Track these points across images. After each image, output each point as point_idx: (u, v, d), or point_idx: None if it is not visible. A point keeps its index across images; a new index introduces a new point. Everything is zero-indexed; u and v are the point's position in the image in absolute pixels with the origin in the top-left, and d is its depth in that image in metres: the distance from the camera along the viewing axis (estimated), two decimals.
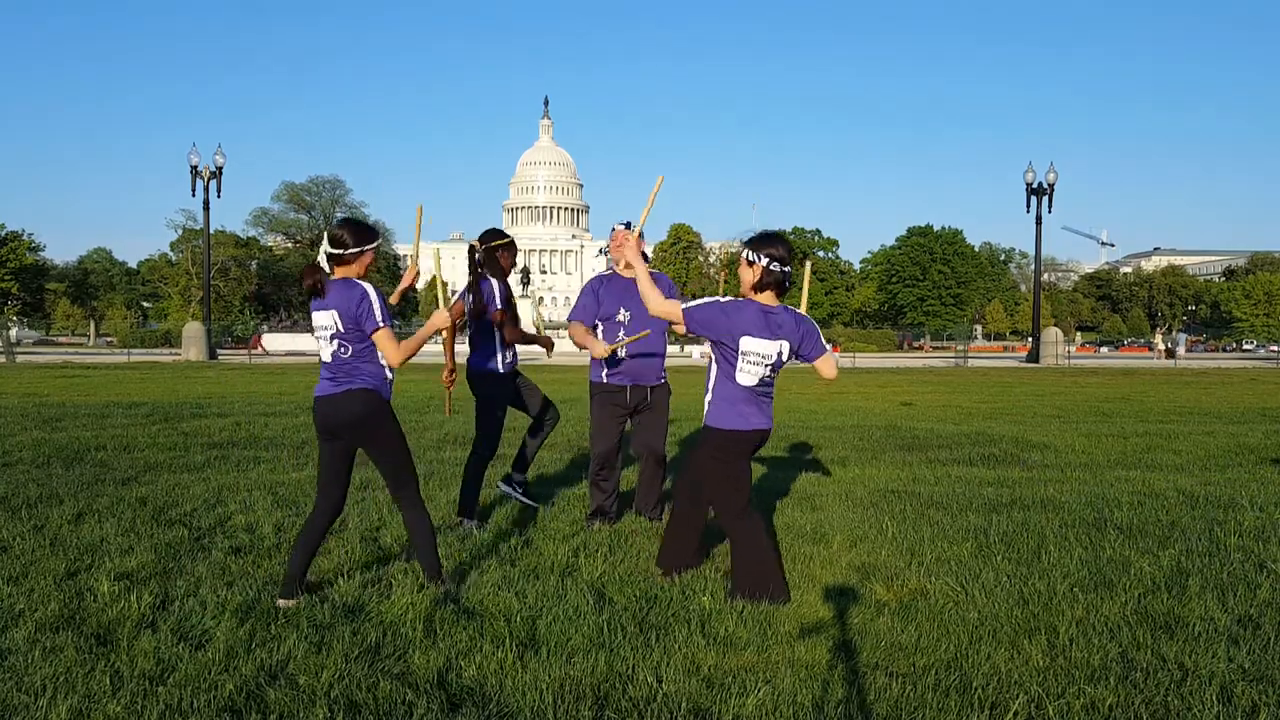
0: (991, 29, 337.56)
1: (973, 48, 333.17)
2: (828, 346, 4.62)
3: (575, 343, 5.70)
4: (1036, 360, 37.00)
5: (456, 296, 5.68)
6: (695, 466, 4.55)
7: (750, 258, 4.33)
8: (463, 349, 5.72)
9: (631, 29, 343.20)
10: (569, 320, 5.81)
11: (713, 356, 4.46)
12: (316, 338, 4.26)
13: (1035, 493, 7.08)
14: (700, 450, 4.50)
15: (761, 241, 4.35)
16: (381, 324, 4.13)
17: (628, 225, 5.78)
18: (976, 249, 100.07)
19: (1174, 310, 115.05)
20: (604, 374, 5.75)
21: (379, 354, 4.20)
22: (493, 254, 5.74)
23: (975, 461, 8.88)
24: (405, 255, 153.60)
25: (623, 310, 5.68)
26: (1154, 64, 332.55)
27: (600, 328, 5.77)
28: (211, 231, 40.11)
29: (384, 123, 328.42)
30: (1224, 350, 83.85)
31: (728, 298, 4.43)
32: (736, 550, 4.40)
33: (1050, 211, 38.06)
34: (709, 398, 4.42)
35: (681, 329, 4.49)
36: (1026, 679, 3.43)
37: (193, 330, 35.24)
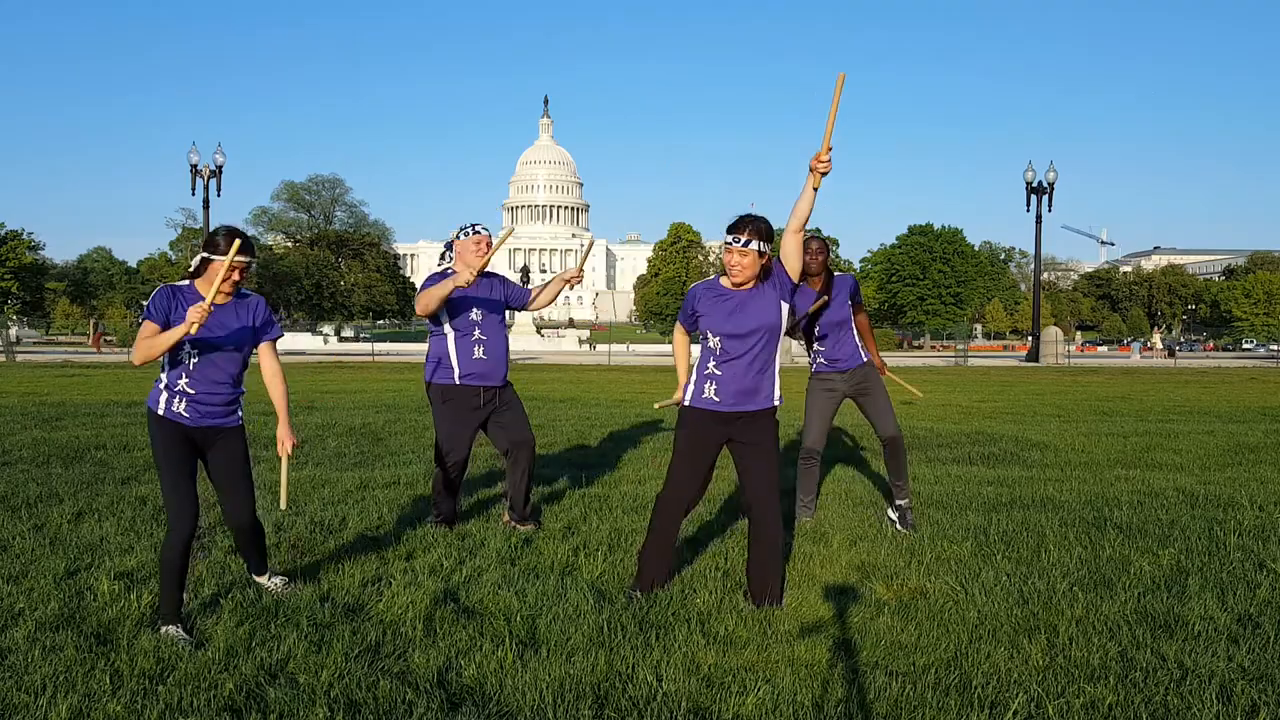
0: (992, 28, 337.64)
1: (973, 46, 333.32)
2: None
3: (426, 307, 5.46)
4: (1036, 359, 36.99)
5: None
6: (773, 456, 4.36)
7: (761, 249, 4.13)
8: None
9: (631, 28, 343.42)
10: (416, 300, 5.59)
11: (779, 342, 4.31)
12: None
13: (1035, 492, 7.08)
14: (774, 434, 4.36)
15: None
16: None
17: (488, 230, 5.61)
18: (976, 248, 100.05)
19: (1174, 310, 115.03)
20: (456, 376, 5.52)
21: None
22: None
23: (975, 460, 8.88)
24: (405, 254, 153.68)
25: (475, 310, 5.56)
26: (1154, 64, 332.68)
27: (453, 333, 5.56)
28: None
29: (384, 122, 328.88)
30: (1224, 349, 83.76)
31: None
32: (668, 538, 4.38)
33: (1050, 210, 38.08)
34: (778, 381, 4.32)
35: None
36: (1026, 678, 3.43)
37: None
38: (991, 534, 5.63)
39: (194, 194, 36.54)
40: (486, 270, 5.56)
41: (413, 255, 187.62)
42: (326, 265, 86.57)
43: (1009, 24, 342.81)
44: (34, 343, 59.13)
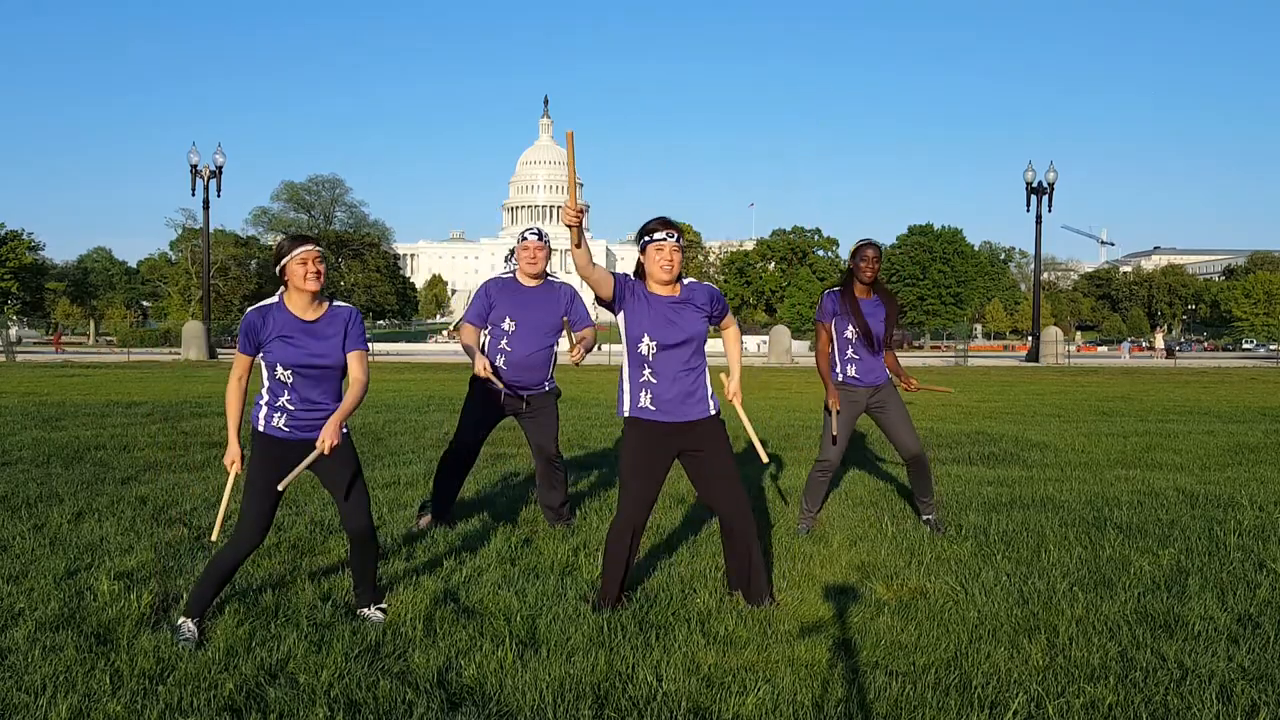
0: (992, 27, 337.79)
1: (973, 46, 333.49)
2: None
3: (463, 345, 5.57)
4: (1036, 359, 36.99)
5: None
6: (729, 460, 4.31)
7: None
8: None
9: (631, 28, 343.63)
10: (462, 321, 5.70)
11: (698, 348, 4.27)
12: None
13: (1035, 492, 7.08)
14: (724, 438, 4.31)
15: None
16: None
17: (540, 235, 5.68)
18: (976, 248, 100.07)
19: (1174, 310, 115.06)
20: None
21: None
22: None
23: (975, 460, 8.88)
24: (405, 254, 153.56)
25: (509, 319, 5.52)
26: (1154, 64, 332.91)
27: (486, 331, 5.61)
28: (211, 231, 40.08)
29: (384, 122, 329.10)
30: (1225, 349, 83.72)
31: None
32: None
33: (1050, 210, 38.05)
34: (710, 388, 4.29)
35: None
36: (1026, 678, 3.43)
37: (193, 329, 35.22)
38: (991, 534, 5.63)
39: (194, 194, 36.50)
40: (550, 279, 5.71)
41: (413, 255, 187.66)
42: (326, 265, 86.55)
43: (1009, 24, 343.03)
44: (34, 343, 59.14)
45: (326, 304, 3.96)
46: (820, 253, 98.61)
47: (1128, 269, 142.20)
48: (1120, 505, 6.58)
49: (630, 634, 3.82)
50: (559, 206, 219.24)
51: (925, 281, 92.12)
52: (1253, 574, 4.80)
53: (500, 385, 5.41)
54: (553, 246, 5.82)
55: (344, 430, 4.01)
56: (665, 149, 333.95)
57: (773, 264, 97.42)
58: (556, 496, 5.83)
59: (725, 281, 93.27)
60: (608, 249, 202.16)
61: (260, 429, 3.93)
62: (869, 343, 5.64)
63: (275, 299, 3.92)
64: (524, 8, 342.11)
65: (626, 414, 4.24)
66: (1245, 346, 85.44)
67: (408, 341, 76.48)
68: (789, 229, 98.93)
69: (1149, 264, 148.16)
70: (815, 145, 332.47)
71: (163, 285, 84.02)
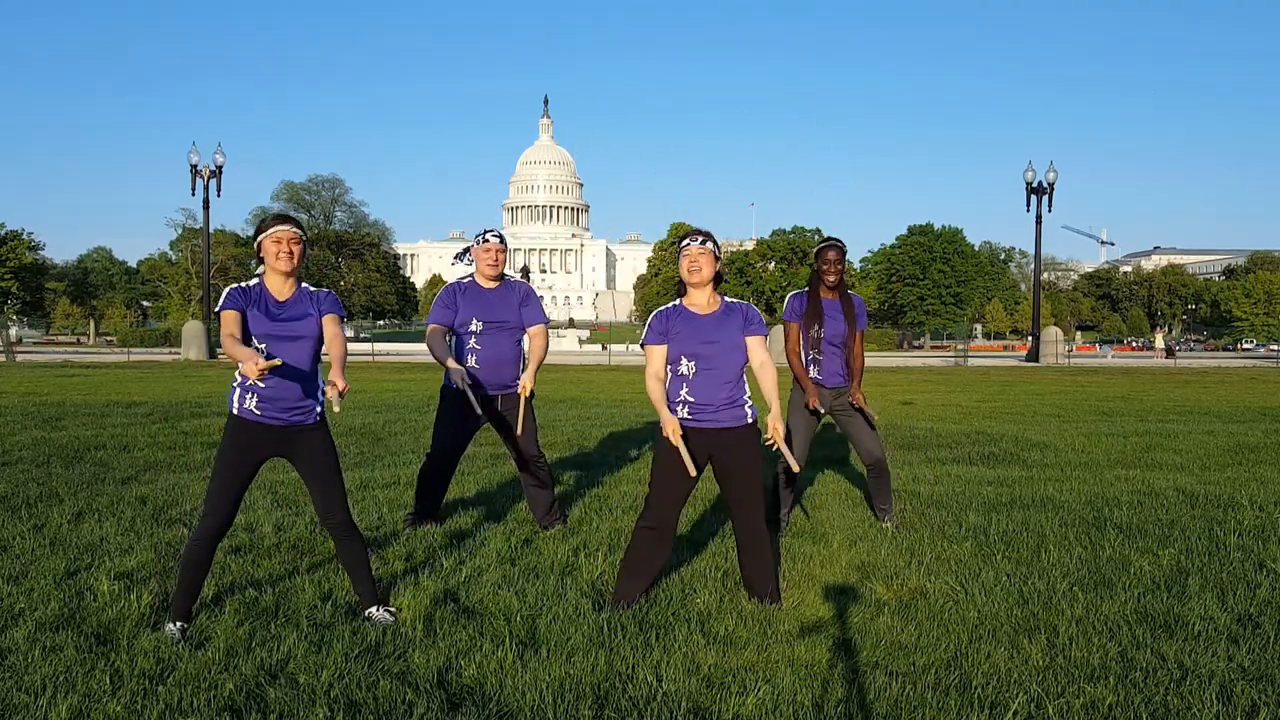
0: (992, 28, 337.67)
1: (973, 46, 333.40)
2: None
3: (433, 353, 5.51)
4: (1036, 359, 36.97)
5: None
6: (757, 469, 4.32)
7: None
8: None
9: (631, 28, 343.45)
10: (428, 323, 5.70)
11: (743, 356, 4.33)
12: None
13: (1035, 492, 7.08)
14: (756, 450, 4.31)
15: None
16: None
17: (501, 238, 5.70)
18: (976, 248, 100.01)
19: (1174, 309, 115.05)
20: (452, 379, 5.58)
21: None
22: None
23: (975, 461, 8.87)
24: (405, 254, 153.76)
25: (475, 320, 5.55)
26: (1154, 64, 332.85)
27: (456, 340, 5.65)
28: (211, 230, 40.06)
29: (384, 122, 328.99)
30: (1225, 349, 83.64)
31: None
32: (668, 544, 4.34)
33: (1050, 210, 38.01)
34: (748, 394, 4.33)
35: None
36: (1026, 678, 3.43)
37: (193, 329, 35.20)
38: (991, 534, 5.63)
39: (194, 194, 36.50)
40: (506, 279, 5.71)
41: (413, 255, 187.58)
42: (326, 265, 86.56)
43: (1009, 24, 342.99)
44: (34, 343, 59.12)
45: (296, 284, 4.00)
46: None
47: (1128, 269, 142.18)
48: (1120, 505, 6.57)
49: (630, 634, 3.82)
50: (559, 207, 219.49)
51: (925, 281, 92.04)
52: (1253, 574, 4.81)
53: (475, 402, 5.34)
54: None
55: (319, 416, 4.01)
56: (665, 149, 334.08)
57: (773, 264, 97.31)
58: (545, 498, 5.78)
59: (725, 282, 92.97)
60: (608, 249, 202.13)
61: (234, 411, 3.96)
62: (826, 346, 5.71)
63: (254, 281, 3.99)
64: (524, 8, 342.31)
65: None
66: (1245, 346, 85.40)
67: (408, 341, 76.41)
68: (789, 229, 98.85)
69: (1149, 264, 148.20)
70: (815, 145, 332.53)
71: (163, 285, 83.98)
